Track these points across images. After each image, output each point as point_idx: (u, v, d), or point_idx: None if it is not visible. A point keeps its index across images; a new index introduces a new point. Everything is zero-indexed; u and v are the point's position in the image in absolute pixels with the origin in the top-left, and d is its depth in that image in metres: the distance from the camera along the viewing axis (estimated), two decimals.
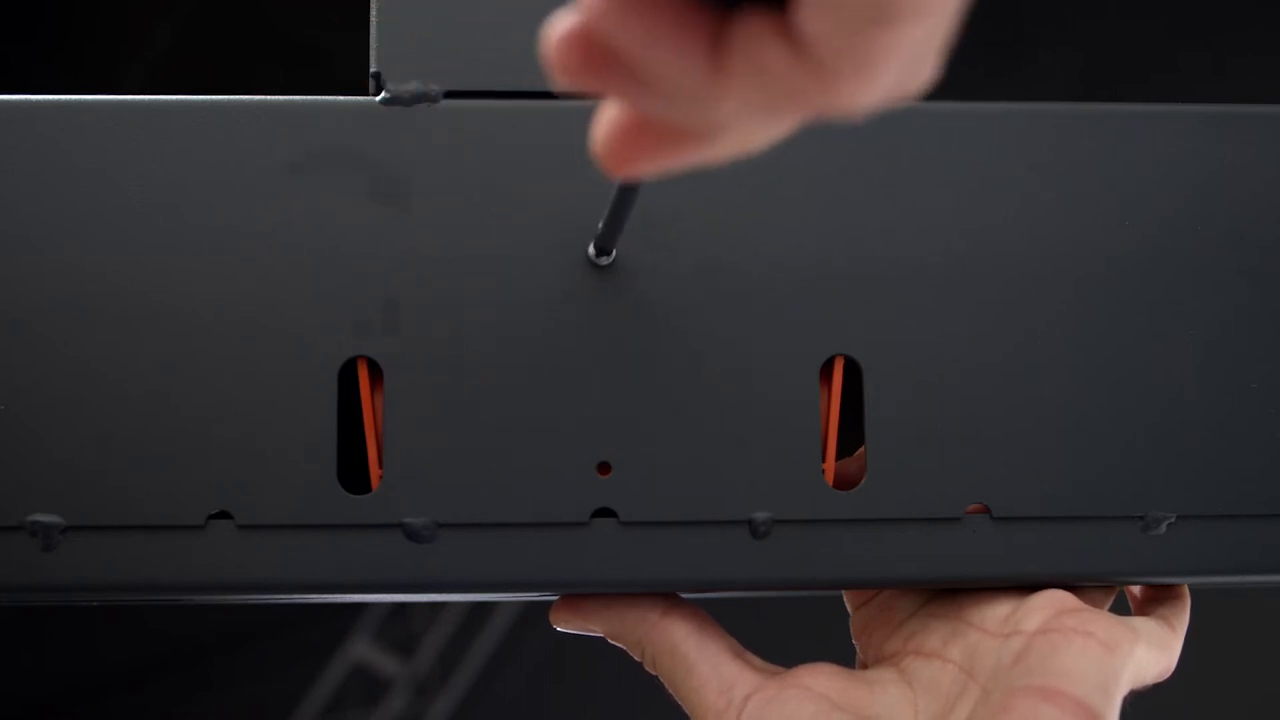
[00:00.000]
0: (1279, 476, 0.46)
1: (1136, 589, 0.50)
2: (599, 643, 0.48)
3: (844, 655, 0.48)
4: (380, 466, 0.45)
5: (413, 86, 0.46)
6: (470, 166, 0.46)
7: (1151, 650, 0.44)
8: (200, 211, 0.45)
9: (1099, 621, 0.43)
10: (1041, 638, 0.43)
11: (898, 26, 0.22)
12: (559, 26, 0.24)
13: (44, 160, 0.45)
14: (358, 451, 0.45)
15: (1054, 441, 0.46)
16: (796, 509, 0.45)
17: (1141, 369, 0.46)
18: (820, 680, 0.44)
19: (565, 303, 0.45)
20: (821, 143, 0.46)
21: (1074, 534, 0.46)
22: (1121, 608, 0.48)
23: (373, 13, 0.46)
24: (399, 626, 2.68)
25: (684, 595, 0.47)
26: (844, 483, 0.47)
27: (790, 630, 1.02)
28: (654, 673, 0.46)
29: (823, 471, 0.45)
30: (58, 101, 0.45)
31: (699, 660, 0.45)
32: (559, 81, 0.25)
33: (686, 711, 0.46)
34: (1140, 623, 0.45)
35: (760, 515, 0.45)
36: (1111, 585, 0.48)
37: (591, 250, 0.45)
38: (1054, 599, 0.45)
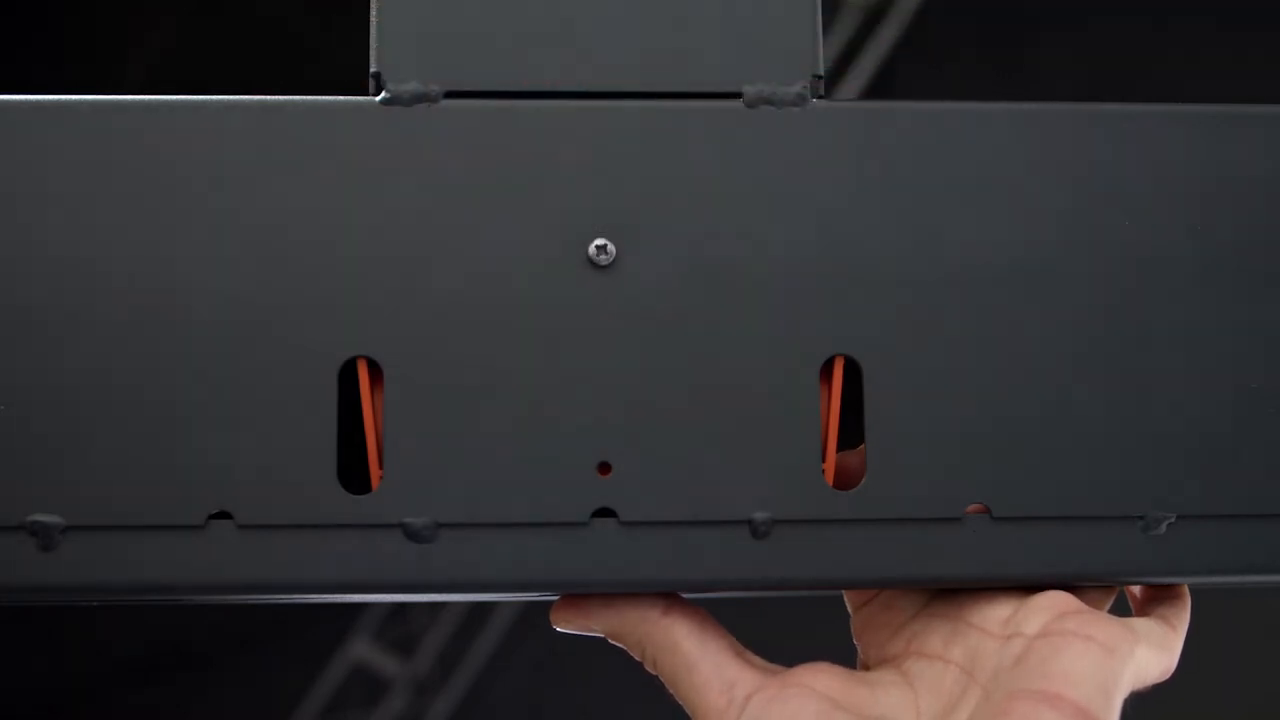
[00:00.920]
0: (1279, 476, 0.46)
1: (1136, 589, 0.50)
2: (599, 643, 0.48)
3: (844, 655, 0.48)
4: (380, 466, 0.45)
5: (413, 86, 0.46)
6: (470, 166, 0.46)
7: (1152, 651, 0.44)
8: (200, 211, 0.45)
9: (1099, 624, 0.43)
10: (1042, 641, 0.43)
11: None
12: None
13: (44, 160, 0.45)
14: (358, 451, 0.45)
15: (1054, 441, 0.46)
16: (796, 509, 0.45)
17: (1142, 368, 0.46)
18: (822, 680, 0.44)
19: (565, 302, 0.45)
20: (821, 142, 0.46)
21: (1074, 534, 0.46)
22: (1122, 608, 0.48)
23: (373, 13, 0.46)
24: (399, 626, 2.68)
25: (684, 595, 0.47)
26: (845, 476, 0.47)
27: (790, 630, 1.02)
28: (654, 673, 0.46)
29: (823, 472, 0.45)
30: (58, 101, 0.45)
31: (700, 659, 0.45)
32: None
33: (687, 711, 0.46)
34: (1140, 623, 0.45)
35: (760, 515, 0.45)
36: (1111, 585, 0.48)
37: (592, 250, 0.45)
38: (1054, 601, 0.45)
